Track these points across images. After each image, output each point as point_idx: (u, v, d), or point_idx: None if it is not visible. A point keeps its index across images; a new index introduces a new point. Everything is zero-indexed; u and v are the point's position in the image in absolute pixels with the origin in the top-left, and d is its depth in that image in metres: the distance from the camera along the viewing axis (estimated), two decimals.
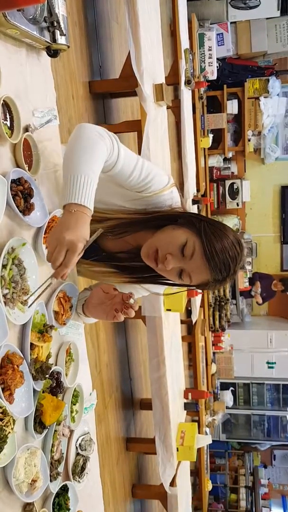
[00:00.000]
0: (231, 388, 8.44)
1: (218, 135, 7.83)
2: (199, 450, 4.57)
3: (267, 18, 7.65)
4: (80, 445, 1.47)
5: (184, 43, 4.67)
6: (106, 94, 3.77)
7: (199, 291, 4.56)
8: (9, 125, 1.16)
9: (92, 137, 1.16)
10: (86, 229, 1.09)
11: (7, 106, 1.15)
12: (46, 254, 1.10)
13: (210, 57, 6.77)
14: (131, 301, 1.22)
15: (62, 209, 1.10)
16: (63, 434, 1.34)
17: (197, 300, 4.91)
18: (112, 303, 1.27)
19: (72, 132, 1.19)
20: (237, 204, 8.33)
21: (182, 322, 4.77)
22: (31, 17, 1.16)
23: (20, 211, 1.15)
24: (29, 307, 1.16)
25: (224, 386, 8.37)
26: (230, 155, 8.29)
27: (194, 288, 1.38)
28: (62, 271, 1.08)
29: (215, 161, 8.13)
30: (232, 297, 7.72)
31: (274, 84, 7.89)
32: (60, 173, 1.40)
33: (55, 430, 1.29)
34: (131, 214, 1.36)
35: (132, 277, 1.44)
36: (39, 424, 1.21)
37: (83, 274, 1.53)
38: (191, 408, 3.90)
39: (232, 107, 7.91)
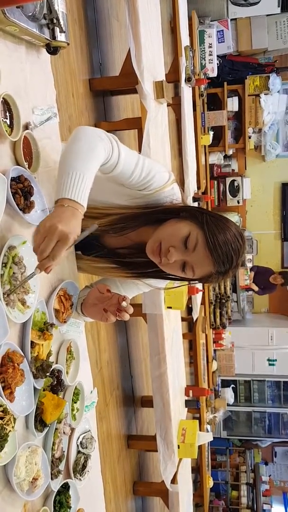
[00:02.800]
0: (232, 385, 8.44)
1: (218, 132, 7.82)
2: (200, 447, 4.57)
3: (267, 15, 7.62)
4: (81, 443, 1.48)
5: (185, 40, 4.66)
6: (106, 92, 3.77)
7: (200, 288, 4.56)
8: (8, 122, 1.16)
9: (90, 138, 1.16)
10: (78, 225, 1.06)
11: (6, 104, 1.14)
12: (33, 244, 1.06)
13: (210, 54, 6.75)
14: (124, 304, 1.21)
15: (55, 204, 1.08)
16: (64, 432, 1.34)
17: (197, 297, 4.91)
18: (108, 305, 1.26)
19: (71, 134, 1.19)
20: (238, 202, 8.33)
21: (183, 319, 4.77)
22: (30, 14, 1.15)
23: (20, 209, 1.15)
24: (7, 296, 1.11)
25: (225, 383, 8.37)
26: (230, 152, 8.28)
27: (197, 281, 1.37)
28: (48, 263, 1.04)
29: (216, 158, 8.13)
30: (233, 292, 7.72)
31: (275, 81, 7.87)
32: None
33: (56, 428, 1.29)
34: (132, 209, 1.36)
35: (134, 272, 1.44)
36: (40, 422, 1.21)
37: (84, 270, 1.53)
38: (192, 406, 3.90)
39: (232, 104, 7.89)
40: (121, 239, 1.40)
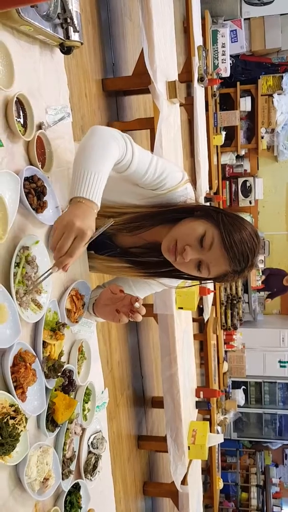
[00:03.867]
0: (243, 387, 8.41)
1: (231, 132, 7.79)
2: (210, 448, 4.55)
3: (281, 14, 7.58)
4: (92, 443, 1.47)
5: (197, 40, 4.65)
6: (119, 92, 3.77)
7: (211, 289, 4.54)
8: (22, 122, 1.16)
9: (104, 137, 1.17)
10: (93, 222, 1.07)
11: (20, 104, 1.14)
12: (51, 242, 1.07)
13: (223, 54, 6.73)
14: (136, 305, 1.20)
15: (69, 203, 1.09)
16: (75, 432, 1.33)
17: (209, 298, 4.89)
18: (120, 305, 1.25)
19: (86, 134, 1.20)
20: (250, 202, 8.29)
21: (194, 320, 4.75)
22: (44, 13, 1.15)
23: (33, 209, 1.15)
24: (20, 297, 1.10)
25: (236, 385, 8.34)
26: (243, 152, 8.25)
27: (211, 281, 1.36)
28: (66, 261, 1.04)
29: (228, 158, 8.10)
30: (244, 293, 7.68)
31: None
32: None
33: (67, 428, 1.29)
34: (147, 208, 1.36)
35: (147, 272, 1.43)
36: (51, 422, 1.21)
37: (98, 270, 1.53)
38: (203, 407, 3.89)
39: (245, 104, 7.86)
40: (134, 238, 1.40)
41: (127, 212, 1.35)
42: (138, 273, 1.43)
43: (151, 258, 1.40)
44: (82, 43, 1.31)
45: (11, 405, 1.03)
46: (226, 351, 7.11)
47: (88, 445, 1.46)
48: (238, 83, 7.73)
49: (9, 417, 1.02)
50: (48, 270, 1.10)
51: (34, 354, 1.14)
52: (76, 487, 1.34)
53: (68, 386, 1.28)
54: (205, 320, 5.01)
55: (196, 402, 3.70)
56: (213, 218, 1.27)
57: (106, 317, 1.36)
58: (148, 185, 1.32)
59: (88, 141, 1.16)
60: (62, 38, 1.25)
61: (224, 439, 4.64)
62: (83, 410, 1.42)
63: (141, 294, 1.53)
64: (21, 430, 1.04)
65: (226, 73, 6.85)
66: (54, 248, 1.05)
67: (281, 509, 8.58)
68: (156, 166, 1.28)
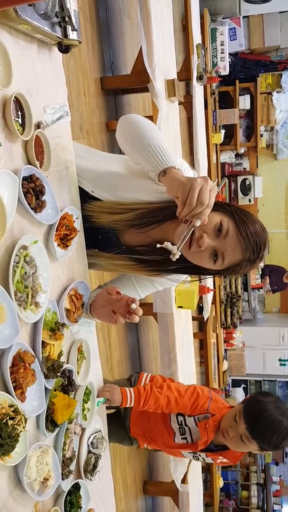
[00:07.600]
0: (243, 385, 8.40)
1: (230, 130, 7.77)
2: None
3: (280, 12, 7.57)
4: (91, 443, 1.47)
5: (196, 38, 4.63)
6: (117, 90, 3.76)
7: (211, 287, 4.54)
8: (20, 122, 1.15)
9: (150, 122, 1.34)
10: None
11: (18, 103, 1.14)
12: (185, 203, 1.14)
13: (222, 52, 6.70)
14: (133, 306, 1.20)
15: (160, 175, 1.23)
16: (75, 432, 1.33)
17: (208, 296, 4.88)
18: (117, 306, 1.25)
19: (124, 120, 1.34)
20: (249, 200, 8.28)
21: (193, 319, 4.75)
22: (42, 12, 1.14)
23: (32, 209, 1.14)
24: (174, 254, 1.22)
25: (236, 383, 8.33)
26: (242, 150, 8.23)
27: (223, 273, 1.38)
28: (207, 212, 1.15)
29: (227, 157, 8.08)
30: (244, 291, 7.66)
31: (287, 79, 7.81)
32: (72, 170, 1.39)
33: (67, 428, 1.29)
34: (159, 203, 1.37)
35: (154, 269, 1.43)
36: (51, 422, 1.21)
37: (102, 268, 1.53)
38: None
39: (244, 102, 7.85)
40: (141, 236, 1.40)
41: (139, 208, 1.36)
42: (145, 271, 1.43)
43: (159, 256, 1.40)
44: (80, 42, 1.30)
45: (11, 406, 1.03)
46: (226, 350, 7.10)
47: (88, 445, 1.46)
48: (237, 81, 7.71)
49: (8, 417, 1.02)
50: (191, 227, 1.20)
51: (33, 354, 1.14)
52: (76, 487, 1.34)
53: (68, 386, 1.28)
54: (205, 318, 5.00)
55: None
56: (226, 209, 1.32)
57: (103, 318, 1.35)
58: None
59: (139, 122, 1.32)
60: (60, 36, 1.24)
61: None
62: (83, 410, 1.42)
63: (144, 293, 1.54)
64: (21, 431, 1.04)
65: (225, 71, 6.82)
66: (192, 204, 1.14)
67: (282, 507, 8.57)
68: (176, 158, 1.33)
